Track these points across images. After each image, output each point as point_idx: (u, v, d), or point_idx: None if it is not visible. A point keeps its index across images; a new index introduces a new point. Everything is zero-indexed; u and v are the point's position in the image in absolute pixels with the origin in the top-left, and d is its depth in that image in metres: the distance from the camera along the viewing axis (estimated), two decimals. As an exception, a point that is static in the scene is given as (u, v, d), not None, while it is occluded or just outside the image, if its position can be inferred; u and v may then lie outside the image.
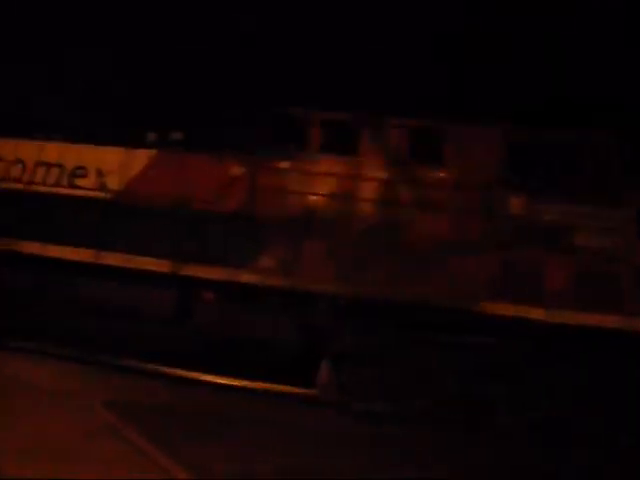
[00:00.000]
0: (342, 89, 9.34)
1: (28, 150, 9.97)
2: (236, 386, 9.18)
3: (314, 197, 9.14)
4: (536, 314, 8.54)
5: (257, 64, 9.54)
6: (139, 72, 9.97)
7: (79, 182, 9.78)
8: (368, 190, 9.07)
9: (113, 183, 9.67)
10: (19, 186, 9.91)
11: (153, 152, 9.64)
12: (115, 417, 7.28)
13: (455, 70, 9.24)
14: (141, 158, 9.65)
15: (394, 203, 8.99)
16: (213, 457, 6.51)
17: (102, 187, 9.69)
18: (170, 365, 9.40)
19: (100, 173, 9.71)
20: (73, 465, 6.00)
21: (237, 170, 9.34)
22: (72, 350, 9.53)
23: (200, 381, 9.23)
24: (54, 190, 9.81)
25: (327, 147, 9.23)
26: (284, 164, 9.28)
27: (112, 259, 9.43)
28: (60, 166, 9.85)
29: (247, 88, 9.61)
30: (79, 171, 9.79)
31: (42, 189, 9.84)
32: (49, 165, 9.89)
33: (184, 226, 9.29)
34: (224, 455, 6.60)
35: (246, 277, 9.09)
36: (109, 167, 9.70)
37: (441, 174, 8.98)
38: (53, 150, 9.92)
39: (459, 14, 9.32)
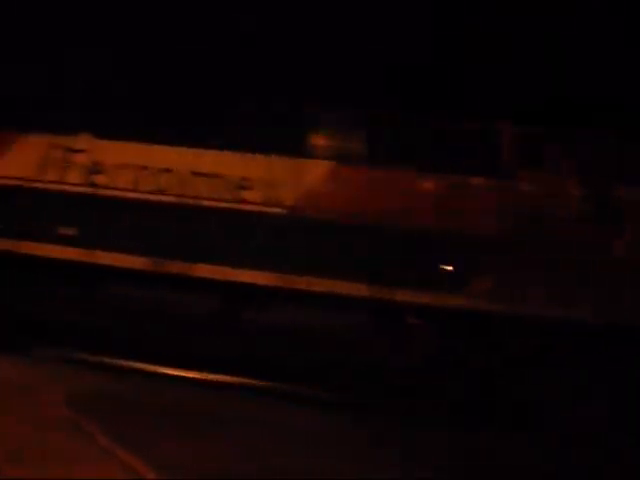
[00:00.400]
0: (342, 89, 9.34)
1: (179, 157, 9.00)
2: (228, 384, 8.94)
3: (511, 216, 8.56)
4: None
5: (257, 64, 9.54)
6: (139, 72, 9.96)
7: (245, 195, 8.87)
8: (565, 209, 8.54)
9: (285, 197, 8.80)
10: (172, 199, 8.97)
11: (331, 164, 8.80)
12: (80, 414, 7.04)
13: (455, 70, 9.23)
14: (316, 169, 8.82)
15: (591, 222, 8.51)
16: (188, 457, 6.22)
17: (273, 201, 8.82)
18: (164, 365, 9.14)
19: (269, 185, 8.82)
20: (30, 465, 5.69)
21: (435, 187, 8.68)
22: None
23: (196, 380, 9.11)
24: (215, 204, 8.87)
25: (518, 162, 8.69)
26: (479, 181, 8.68)
27: (303, 283, 8.66)
28: (220, 177, 8.89)
29: (247, 88, 9.61)
30: (244, 183, 8.87)
31: (204, 203, 8.87)
32: (207, 176, 8.92)
33: (383, 246, 8.61)
34: (200, 455, 6.35)
35: (454, 301, 8.56)
36: (278, 179, 8.81)
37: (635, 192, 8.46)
38: (210, 158, 8.96)
39: (459, 14, 9.32)
